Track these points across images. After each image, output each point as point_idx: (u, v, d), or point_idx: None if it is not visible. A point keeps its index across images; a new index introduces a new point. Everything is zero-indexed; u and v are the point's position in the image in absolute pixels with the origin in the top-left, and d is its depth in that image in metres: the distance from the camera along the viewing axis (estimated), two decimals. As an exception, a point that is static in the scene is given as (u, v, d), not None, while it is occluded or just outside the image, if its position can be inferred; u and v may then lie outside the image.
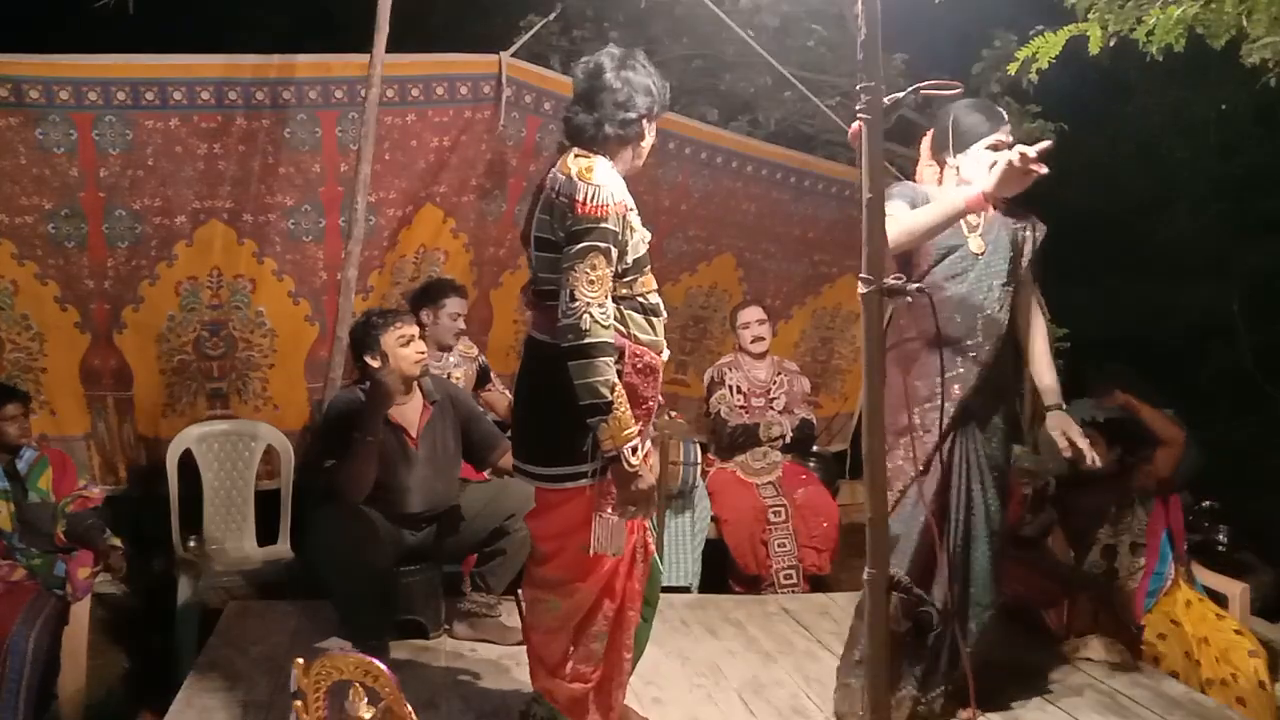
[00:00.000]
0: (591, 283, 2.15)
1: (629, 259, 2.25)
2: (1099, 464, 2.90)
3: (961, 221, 2.71)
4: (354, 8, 3.70)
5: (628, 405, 2.16)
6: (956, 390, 2.70)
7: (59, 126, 3.55)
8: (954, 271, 2.75)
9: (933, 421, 2.66)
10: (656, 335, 2.32)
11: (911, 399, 2.67)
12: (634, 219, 2.28)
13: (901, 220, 2.57)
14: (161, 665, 3.62)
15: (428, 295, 3.81)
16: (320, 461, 3.12)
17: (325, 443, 3.15)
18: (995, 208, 2.76)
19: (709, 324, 5.18)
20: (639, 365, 2.24)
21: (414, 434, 3.20)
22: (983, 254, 2.75)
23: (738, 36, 4.18)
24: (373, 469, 3.02)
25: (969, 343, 2.70)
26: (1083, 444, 2.82)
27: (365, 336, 3.17)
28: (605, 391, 2.12)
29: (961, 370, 2.71)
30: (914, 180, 2.89)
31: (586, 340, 2.12)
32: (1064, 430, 2.84)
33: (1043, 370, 2.92)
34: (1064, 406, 2.90)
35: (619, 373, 2.19)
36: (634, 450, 2.16)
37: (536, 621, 2.45)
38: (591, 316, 2.13)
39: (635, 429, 2.17)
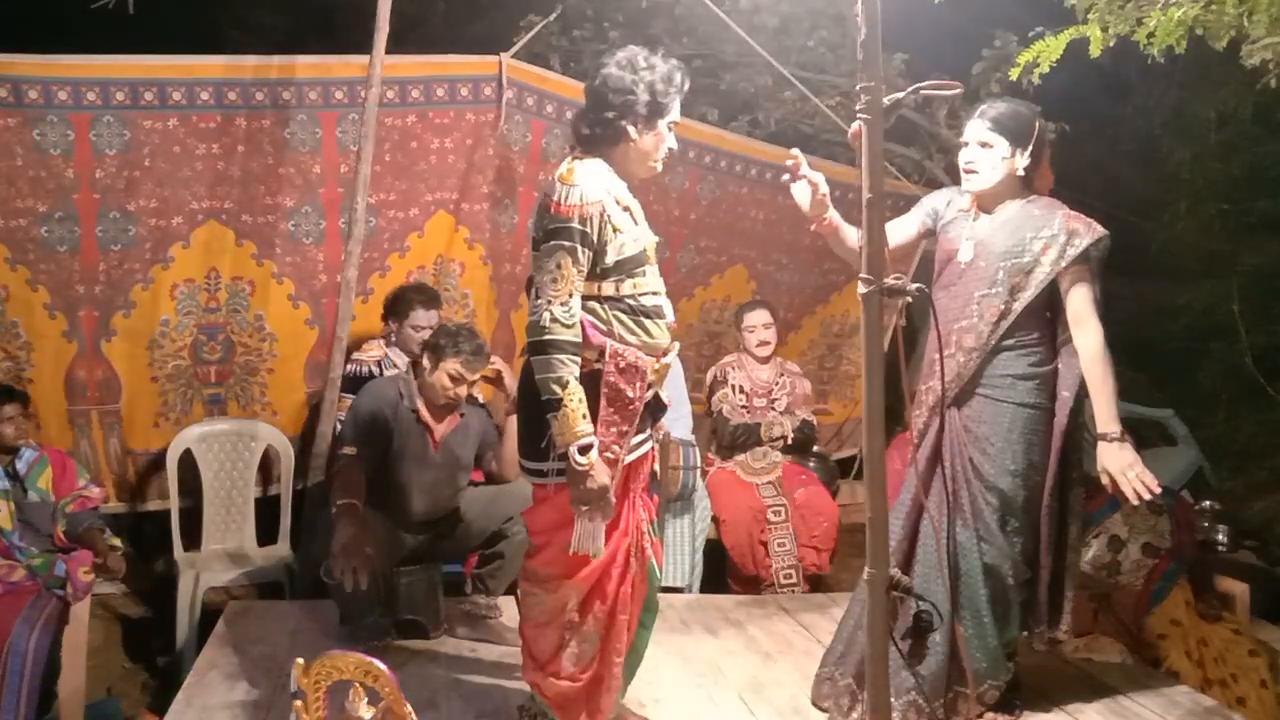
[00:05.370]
0: (555, 281, 2.19)
1: (609, 259, 2.25)
2: (1151, 493, 2.51)
3: (966, 225, 2.70)
4: (354, 8, 3.71)
5: (582, 405, 2.17)
6: (929, 398, 2.69)
7: (56, 127, 3.52)
8: (949, 282, 2.70)
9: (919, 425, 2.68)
10: (651, 337, 2.32)
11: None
12: (622, 219, 2.28)
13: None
14: (161, 665, 3.63)
15: (395, 307, 3.82)
16: (340, 447, 3.17)
17: (349, 430, 3.19)
18: (983, 208, 2.70)
19: (722, 339, 5.09)
20: (621, 365, 2.25)
21: (437, 438, 3.23)
22: (968, 262, 2.66)
23: (738, 36, 4.17)
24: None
25: (945, 353, 2.60)
26: (1130, 489, 2.50)
27: (431, 343, 3.19)
28: (557, 389, 2.16)
29: (932, 382, 2.68)
30: None
31: (544, 337, 2.17)
32: (1106, 469, 2.55)
33: (1091, 391, 2.59)
34: (1118, 437, 2.54)
35: (598, 372, 2.22)
36: (583, 450, 2.17)
37: (527, 614, 2.47)
38: (552, 314, 2.17)
39: (586, 428, 2.18)
